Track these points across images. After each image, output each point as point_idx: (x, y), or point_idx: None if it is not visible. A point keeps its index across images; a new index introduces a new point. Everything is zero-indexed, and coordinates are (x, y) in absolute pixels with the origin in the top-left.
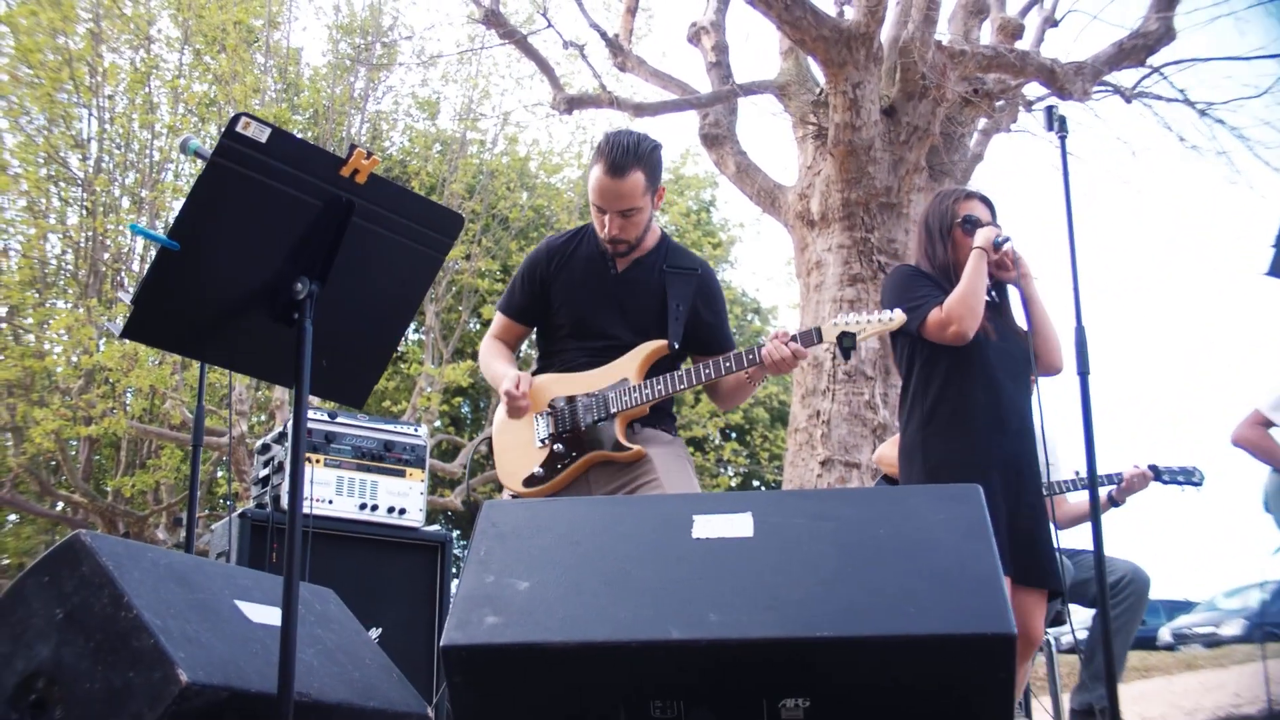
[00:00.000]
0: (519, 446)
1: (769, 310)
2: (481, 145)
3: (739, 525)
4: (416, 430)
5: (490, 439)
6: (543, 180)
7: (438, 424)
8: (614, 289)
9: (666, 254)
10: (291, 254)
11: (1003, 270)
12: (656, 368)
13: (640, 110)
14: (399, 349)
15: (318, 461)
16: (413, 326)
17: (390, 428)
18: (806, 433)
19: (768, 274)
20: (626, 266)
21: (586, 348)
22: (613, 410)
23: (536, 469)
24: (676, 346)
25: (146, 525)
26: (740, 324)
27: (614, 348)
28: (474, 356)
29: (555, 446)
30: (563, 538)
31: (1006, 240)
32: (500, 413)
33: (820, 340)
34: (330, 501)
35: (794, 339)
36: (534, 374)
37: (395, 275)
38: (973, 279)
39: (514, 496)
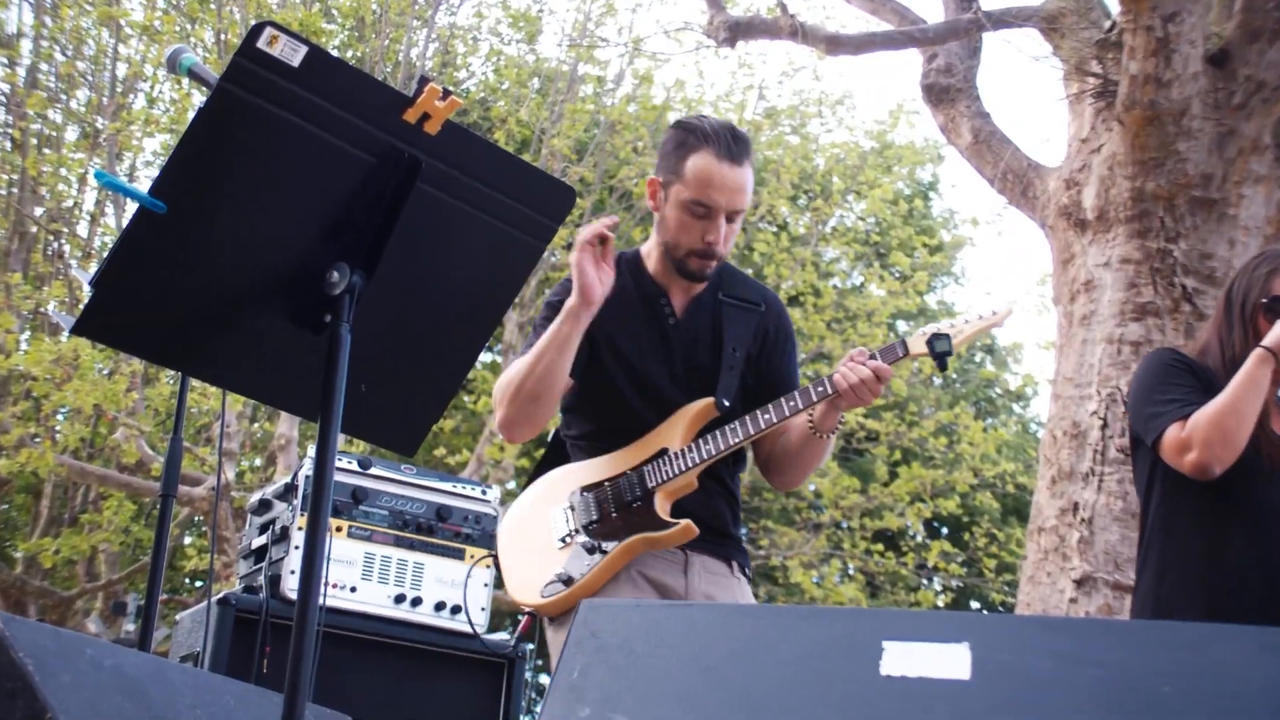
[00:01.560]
0: (533, 553)
1: (1008, 349)
2: (599, 84)
3: (951, 661)
4: (484, 492)
5: (495, 557)
6: None
7: (511, 485)
8: (674, 342)
9: (720, 280)
10: (327, 230)
11: None
12: (702, 436)
13: (835, 45)
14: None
15: (339, 531)
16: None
17: (446, 487)
18: (1056, 535)
19: (1009, 296)
20: (686, 308)
21: (624, 420)
22: (650, 484)
23: (559, 571)
24: (727, 404)
25: (72, 611)
26: (963, 367)
27: (657, 419)
28: None
29: (581, 541)
30: (691, 659)
31: None
32: (506, 520)
33: (906, 353)
34: (354, 589)
35: (873, 356)
36: (542, 465)
37: (474, 269)
38: (1238, 392)
39: (533, 616)
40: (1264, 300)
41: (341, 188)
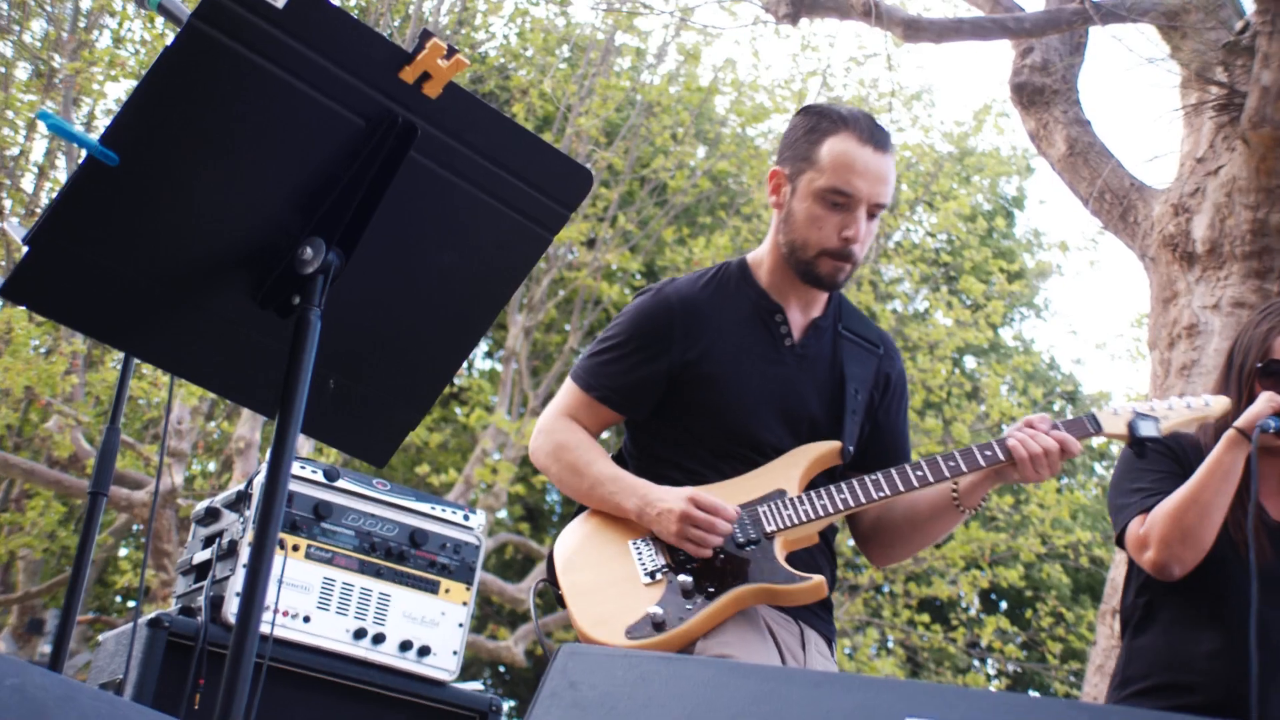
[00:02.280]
0: (611, 585)
1: (1094, 397)
2: (638, 58)
3: None
4: (467, 518)
5: (552, 577)
6: (734, 129)
7: (503, 515)
8: (791, 369)
9: (840, 311)
10: (302, 199)
11: None
12: (816, 484)
13: (915, 30)
14: (455, 380)
15: (295, 550)
16: (481, 347)
17: (424, 508)
18: None
19: (1099, 336)
20: (804, 335)
21: (725, 457)
22: (769, 528)
23: (651, 611)
24: (852, 451)
25: None
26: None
27: (761, 463)
28: None
29: (679, 580)
30: None
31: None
32: (573, 537)
33: (1097, 430)
34: (307, 619)
35: (1057, 426)
36: None
37: (470, 256)
38: (1203, 480)
39: None
40: (1259, 364)
41: (323, 151)
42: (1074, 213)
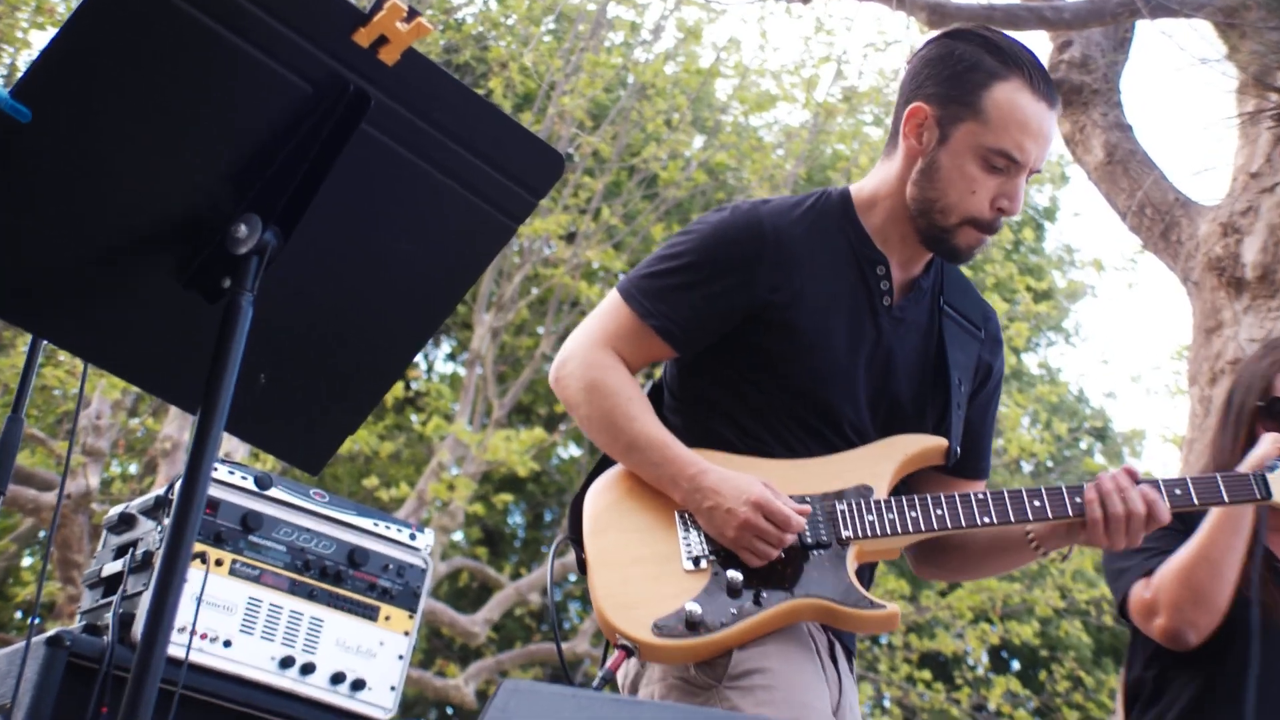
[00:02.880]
0: (644, 564)
1: (1125, 437)
2: (632, 33)
3: None
4: (414, 537)
5: (578, 544)
6: (735, 118)
7: (459, 537)
8: (886, 336)
9: (941, 278)
10: (238, 170)
11: None
12: (900, 488)
13: (941, 16)
14: (412, 385)
15: (218, 565)
16: (443, 349)
17: (365, 524)
18: None
19: (1134, 368)
20: (904, 295)
21: (791, 424)
22: (844, 533)
23: (688, 606)
24: (959, 453)
25: None
26: (1061, 454)
27: (836, 441)
28: (549, 422)
29: (727, 575)
30: None
31: None
32: (609, 492)
33: (1266, 495)
34: (228, 644)
35: (1157, 485)
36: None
37: (424, 243)
38: (1211, 534)
39: (629, 652)
40: (1260, 403)
41: (263, 119)
42: (1113, 228)
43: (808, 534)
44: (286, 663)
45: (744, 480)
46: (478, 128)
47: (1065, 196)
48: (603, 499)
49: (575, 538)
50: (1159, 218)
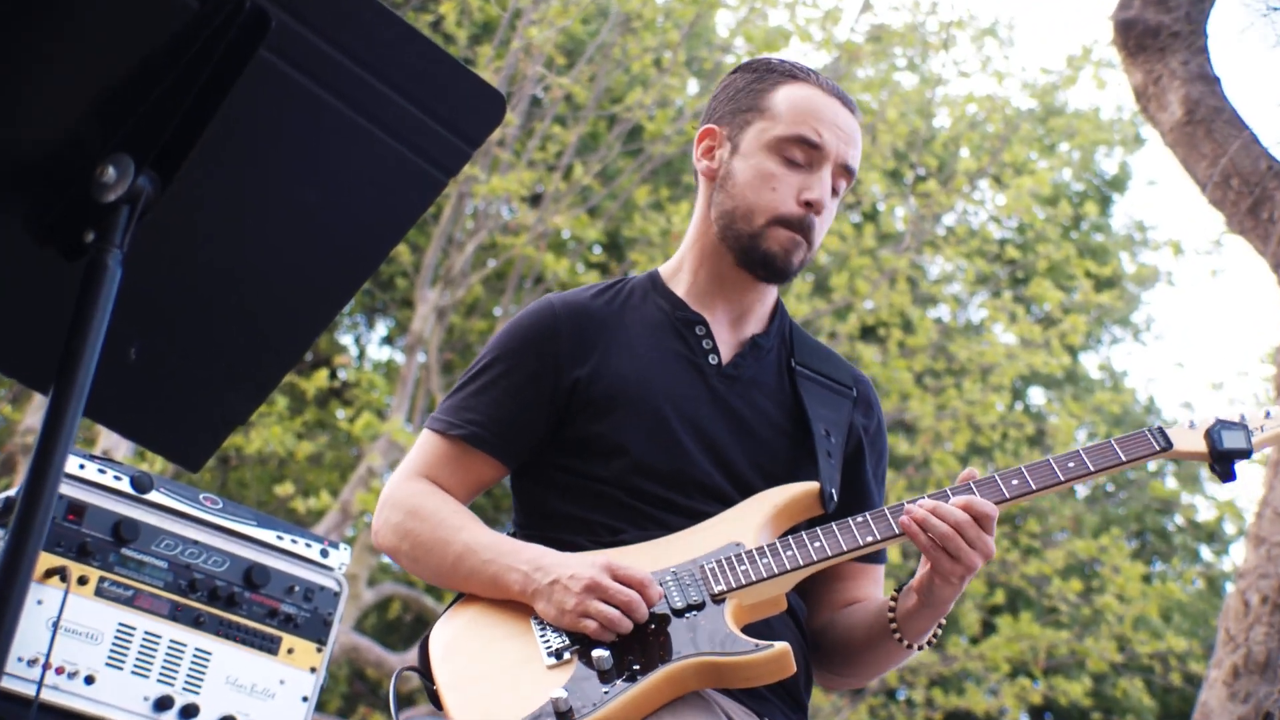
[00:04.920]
0: (505, 670)
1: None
2: None
3: None
4: (326, 553)
5: (425, 668)
6: (738, 59)
7: (385, 560)
8: (722, 395)
9: (790, 341)
10: (107, 102)
11: None
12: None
13: None
14: (333, 369)
15: (82, 584)
16: (377, 330)
17: (267, 536)
18: None
19: (1215, 373)
20: (736, 353)
21: (642, 513)
22: (716, 589)
23: (557, 694)
24: (834, 496)
25: None
26: (1123, 475)
27: (693, 509)
28: None
29: (594, 655)
30: None
31: None
32: (455, 622)
33: (1165, 446)
34: (91, 679)
35: (991, 480)
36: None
37: (336, 195)
38: None
39: None
40: None
41: (138, 40)
42: (1192, 203)
43: (676, 597)
44: (163, 704)
45: (592, 554)
46: (403, 60)
47: (1139, 163)
48: (450, 627)
49: (424, 670)
50: (1247, 190)
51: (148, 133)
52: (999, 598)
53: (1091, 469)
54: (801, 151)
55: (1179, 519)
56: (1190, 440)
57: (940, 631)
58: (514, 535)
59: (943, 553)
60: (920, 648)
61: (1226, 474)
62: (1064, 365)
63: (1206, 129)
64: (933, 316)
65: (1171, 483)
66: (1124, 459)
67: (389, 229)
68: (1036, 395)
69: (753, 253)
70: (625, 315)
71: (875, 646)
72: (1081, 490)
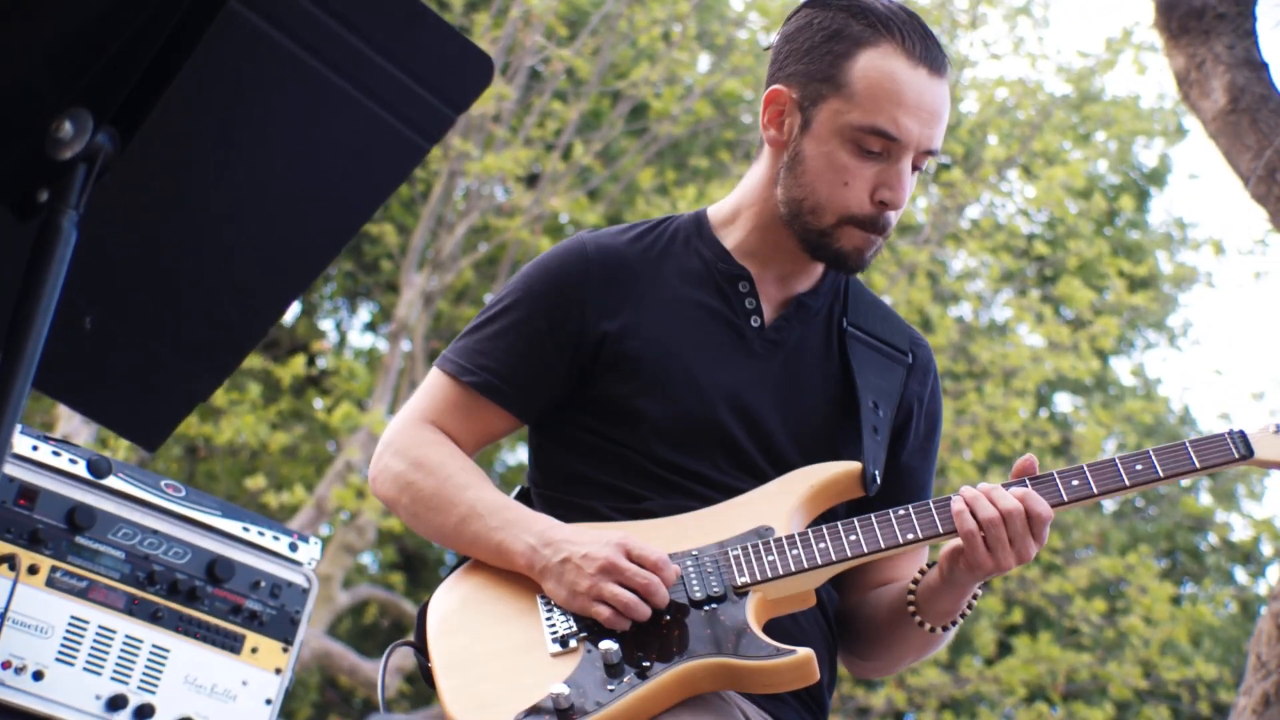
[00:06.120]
0: (505, 654)
1: (1242, 471)
2: None
3: None
4: (295, 547)
5: (420, 642)
6: (752, 34)
7: (368, 559)
8: (761, 360)
9: (845, 298)
10: (64, 52)
11: None
12: (823, 521)
13: None
14: (311, 355)
15: (32, 573)
16: (359, 315)
17: (232, 528)
18: None
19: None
20: (780, 314)
21: (668, 482)
22: (739, 580)
23: (555, 692)
24: (878, 480)
25: None
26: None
27: (723, 484)
28: None
29: (601, 647)
30: None
31: None
32: (455, 592)
33: (1247, 454)
34: (39, 675)
35: (1051, 478)
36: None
37: (309, 161)
38: None
39: None
40: None
41: None
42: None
43: (696, 587)
44: (116, 703)
45: (606, 529)
46: (383, 17)
47: (1181, 156)
48: (451, 597)
49: (419, 644)
50: None
51: (108, 86)
52: (1017, 616)
53: (1161, 474)
54: (879, 142)
55: (1212, 538)
56: (1275, 448)
57: (968, 612)
58: (528, 493)
59: (980, 540)
60: (944, 629)
61: None
62: (1093, 370)
63: (1251, 118)
64: (953, 315)
65: (1205, 499)
66: (1198, 465)
67: (364, 199)
68: (1063, 402)
69: (822, 250)
70: (663, 265)
71: (895, 628)
72: (1108, 504)
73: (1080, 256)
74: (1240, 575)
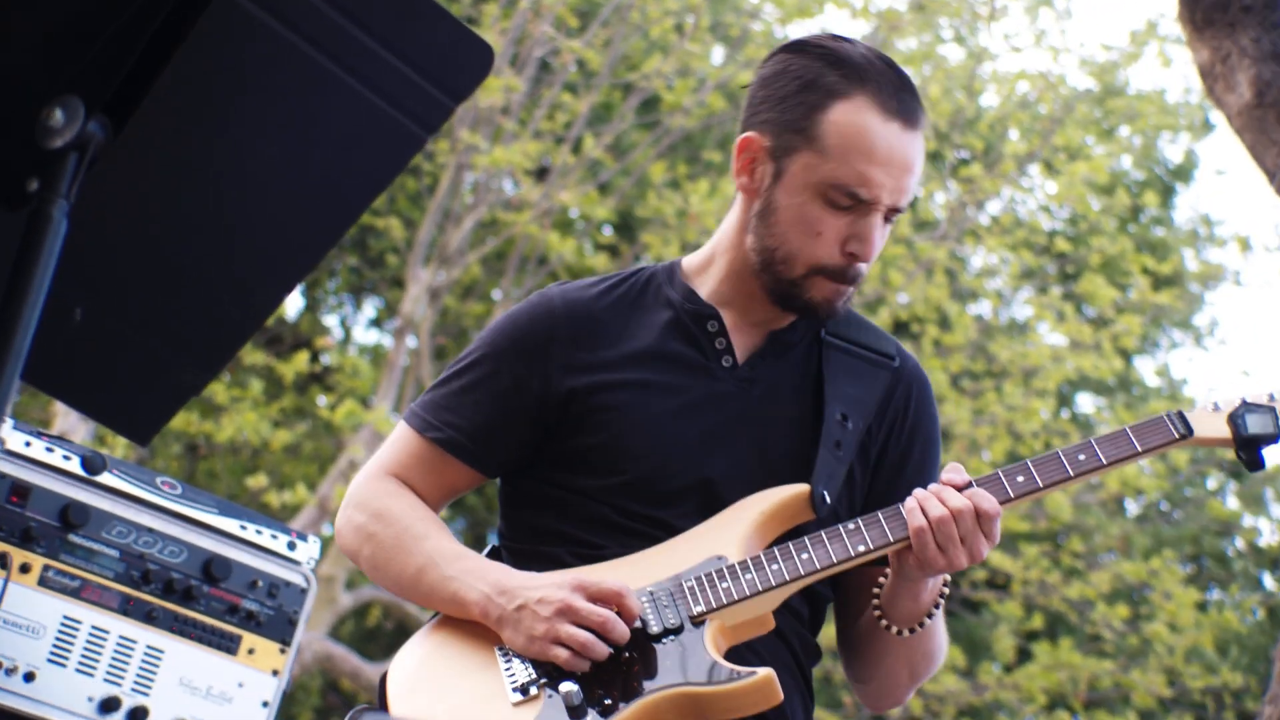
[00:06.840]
0: (466, 707)
1: (1270, 473)
2: None
3: None
4: (294, 546)
5: (382, 705)
6: (767, 26)
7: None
8: (734, 401)
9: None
10: (56, 39)
11: None
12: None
13: None
14: (314, 351)
15: (24, 572)
16: (364, 311)
17: (230, 526)
18: None
19: None
20: (754, 351)
21: (634, 532)
22: (696, 609)
23: None
24: (828, 500)
25: None
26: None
27: (686, 528)
28: None
29: (561, 692)
30: None
31: None
32: (414, 655)
33: (1185, 433)
34: (30, 677)
35: (995, 478)
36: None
37: (304, 151)
38: None
39: None
40: None
41: None
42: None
43: (653, 621)
44: (109, 705)
45: (561, 572)
46: (380, 3)
47: (1207, 151)
48: (411, 658)
49: (380, 707)
50: None
51: (100, 74)
52: (1037, 622)
53: (1105, 462)
54: (849, 198)
55: (1239, 542)
56: (1213, 425)
57: (935, 612)
58: (498, 549)
59: (931, 537)
60: (911, 631)
61: (1254, 462)
62: (1116, 370)
63: (1277, 113)
64: (972, 313)
65: (1233, 502)
66: (1140, 449)
67: (361, 189)
68: (1085, 402)
69: (792, 300)
70: (632, 318)
71: (872, 640)
72: (1133, 508)
73: (1103, 253)
74: (1268, 581)
